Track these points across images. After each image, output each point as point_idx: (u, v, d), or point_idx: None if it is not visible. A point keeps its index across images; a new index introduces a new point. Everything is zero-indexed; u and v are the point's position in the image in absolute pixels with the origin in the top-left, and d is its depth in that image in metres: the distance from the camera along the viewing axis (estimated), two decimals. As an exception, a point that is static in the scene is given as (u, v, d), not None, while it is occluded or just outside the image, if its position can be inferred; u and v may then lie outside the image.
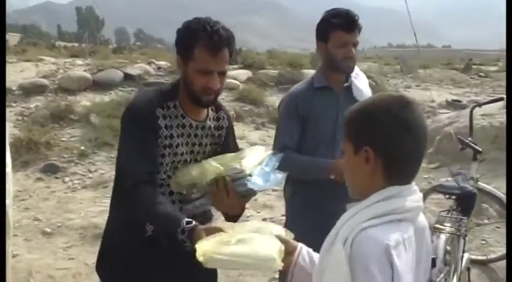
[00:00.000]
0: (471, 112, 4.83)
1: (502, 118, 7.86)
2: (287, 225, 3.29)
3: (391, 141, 1.53)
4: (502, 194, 4.93)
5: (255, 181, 2.12)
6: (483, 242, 5.43)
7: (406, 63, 21.14)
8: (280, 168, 2.23)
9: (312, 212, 3.13)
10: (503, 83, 18.47)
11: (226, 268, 1.88)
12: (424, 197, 5.30)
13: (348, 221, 1.54)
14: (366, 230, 1.46)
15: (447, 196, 4.13)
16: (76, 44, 41.05)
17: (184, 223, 1.97)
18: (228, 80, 8.60)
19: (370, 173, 1.57)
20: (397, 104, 1.55)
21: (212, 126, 2.42)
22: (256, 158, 2.23)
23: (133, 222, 2.26)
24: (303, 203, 3.14)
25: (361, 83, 3.22)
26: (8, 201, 2.90)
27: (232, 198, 2.15)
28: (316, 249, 2.07)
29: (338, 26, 2.94)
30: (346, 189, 3.02)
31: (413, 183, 1.60)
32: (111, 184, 7.47)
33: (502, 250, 5.01)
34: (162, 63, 13.89)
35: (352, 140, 1.61)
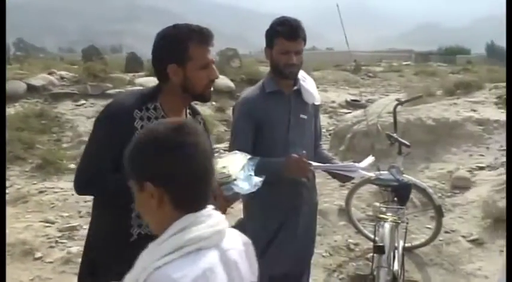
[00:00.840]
0: (394, 109, 5.18)
1: (407, 115, 8.45)
2: (246, 224, 3.44)
3: (163, 169, 1.45)
4: (424, 184, 5.36)
5: (241, 185, 2.20)
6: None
7: (300, 66, 21.75)
8: None
9: (269, 210, 3.29)
10: (393, 82, 19.65)
11: None
12: (353, 191, 5.64)
13: (141, 260, 1.47)
14: (160, 268, 1.37)
15: (383, 188, 4.44)
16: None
17: None
18: (136, 88, 8.63)
19: (158, 207, 1.48)
20: (163, 130, 1.48)
21: None
22: (238, 163, 2.32)
23: (118, 226, 2.32)
24: (261, 203, 3.25)
25: (309, 86, 3.37)
26: None
27: (219, 202, 2.19)
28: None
29: (281, 33, 3.09)
30: (300, 187, 3.25)
31: (209, 206, 1.55)
32: (32, 199, 7.24)
33: (424, 236, 5.42)
34: (63, 73, 13.48)
35: (133, 178, 1.52)
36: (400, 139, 4.76)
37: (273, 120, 3.21)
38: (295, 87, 3.28)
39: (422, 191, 5.20)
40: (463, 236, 5.55)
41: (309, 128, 3.36)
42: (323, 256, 5.33)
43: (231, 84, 13.57)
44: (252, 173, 2.30)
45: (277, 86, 3.23)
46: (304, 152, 2.96)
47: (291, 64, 3.10)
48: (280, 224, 3.27)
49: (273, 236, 3.26)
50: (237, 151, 2.42)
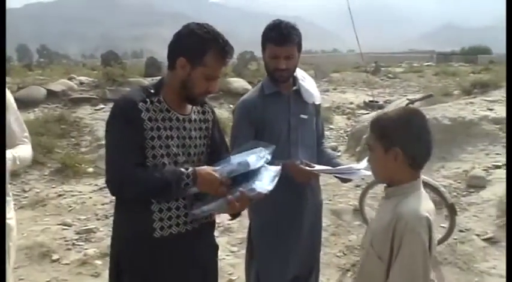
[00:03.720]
0: (405, 109, 5.17)
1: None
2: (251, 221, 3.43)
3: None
4: (437, 183, 5.34)
5: (261, 185, 2.29)
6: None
7: (320, 68, 21.83)
8: None
9: (273, 208, 3.27)
10: (413, 83, 19.51)
11: None
12: (366, 191, 5.63)
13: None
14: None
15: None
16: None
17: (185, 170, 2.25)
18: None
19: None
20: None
21: (197, 119, 2.54)
22: (253, 154, 2.40)
23: (140, 225, 2.35)
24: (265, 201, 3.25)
25: (309, 86, 3.34)
26: None
27: (243, 201, 2.29)
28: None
29: (270, 39, 3.06)
30: (304, 187, 3.22)
31: None
32: (51, 202, 7.30)
33: (438, 235, 5.37)
34: (83, 78, 13.63)
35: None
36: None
37: (273, 122, 3.19)
38: (294, 88, 3.25)
39: (435, 189, 5.18)
40: (478, 235, 5.53)
41: (310, 128, 3.34)
42: (337, 256, 5.33)
43: (248, 87, 13.60)
44: (269, 158, 2.42)
45: (276, 88, 3.20)
46: (299, 160, 3.00)
47: (280, 69, 3.07)
48: (284, 223, 3.27)
49: (278, 234, 3.26)
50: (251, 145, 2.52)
